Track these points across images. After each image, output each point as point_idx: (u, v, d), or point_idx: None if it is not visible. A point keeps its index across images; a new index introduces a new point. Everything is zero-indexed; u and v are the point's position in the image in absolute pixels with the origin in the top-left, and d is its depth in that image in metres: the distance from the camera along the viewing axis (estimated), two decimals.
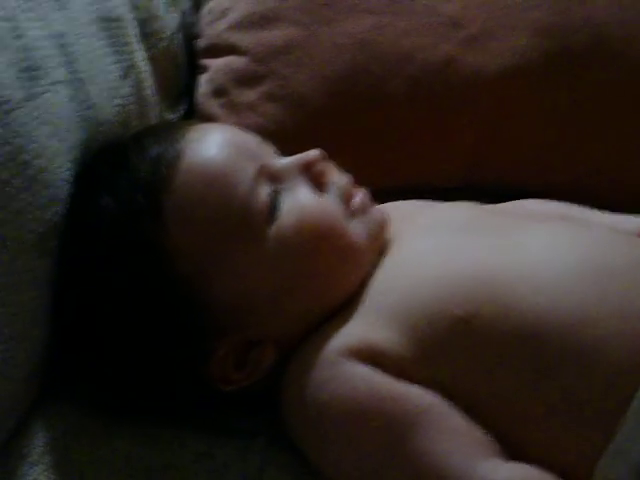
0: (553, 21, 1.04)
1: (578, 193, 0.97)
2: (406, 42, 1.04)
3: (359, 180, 0.82)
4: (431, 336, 0.73)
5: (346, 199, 0.80)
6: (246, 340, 0.76)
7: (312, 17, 1.05)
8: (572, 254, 0.76)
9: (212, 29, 1.09)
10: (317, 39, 1.05)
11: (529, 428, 0.71)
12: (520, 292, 0.73)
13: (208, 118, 1.05)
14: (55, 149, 0.74)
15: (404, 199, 0.93)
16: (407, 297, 0.75)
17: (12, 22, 0.72)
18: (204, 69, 1.09)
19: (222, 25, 1.09)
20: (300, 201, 0.77)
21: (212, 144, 0.77)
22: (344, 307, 0.77)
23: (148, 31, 0.99)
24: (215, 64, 1.08)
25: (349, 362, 0.73)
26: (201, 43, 1.10)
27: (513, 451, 0.71)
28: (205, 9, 1.12)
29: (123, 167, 0.76)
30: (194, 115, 1.08)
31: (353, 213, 0.79)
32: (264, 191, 0.76)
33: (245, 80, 1.05)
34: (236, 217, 0.75)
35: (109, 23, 0.88)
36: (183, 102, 1.10)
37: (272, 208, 0.76)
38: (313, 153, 0.80)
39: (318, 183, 0.79)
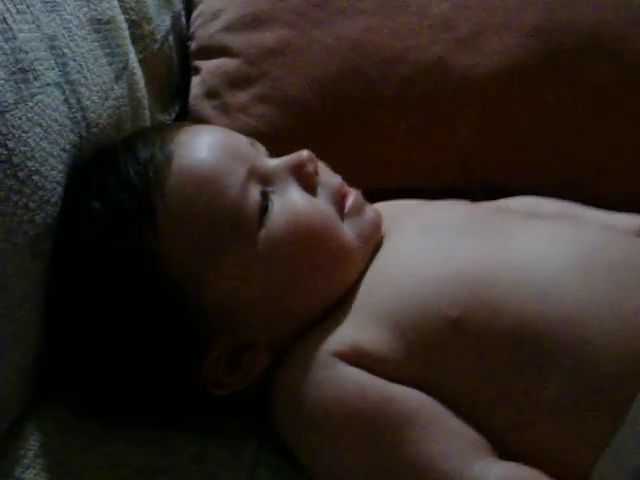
0: (544, 22, 1.04)
1: (570, 193, 0.97)
2: (398, 43, 1.04)
3: (351, 181, 0.82)
4: (422, 336, 0.73)
5: (338, 200, 0.80)
6: (238, 343, 0.76)
7: (304, 19, 1.05)
8: (569, 253, 0.75)
9: (204, 31, 1.09)
10: (309, 41, 1.05)
11: (522, 428, 0.71)
12: (517, 294, 0.73)
13: (201, 120, 1.05)
14: (47, 151, 0.74)
15: (397, 200, 0.93)
16: (397, 298, 0.75)
17: (3, 24, 0.72)
18: (196, 71, 1.09)
19: (214, 27, 1.09)
20: (291, 202, 0.77)
21: (202, 146, 0.77)
22: (335, 307, 0.77)
23: (140, 33, 0.99)
24: (207, 66, 1.08)
25: (340, 364, 0.73)
26: (193, 45, 1.10)
27: (506, 451, 0.71)
28: (197, 11, 1.12)
29: (114, 171, 0.76)
30: (187, 117, 1.08)
31: (345, 214, 0.79)
32: (255, 193, 0.76)
33: (237, 82, 1.05)
34: (227, 220, 0.75)
35: (101, 25, 0.88)
36: (176, 104, 1.11)
37: (263, 210, 0.76)
38: (303, 154, 0.80)
39: (309, 184, 0.79)
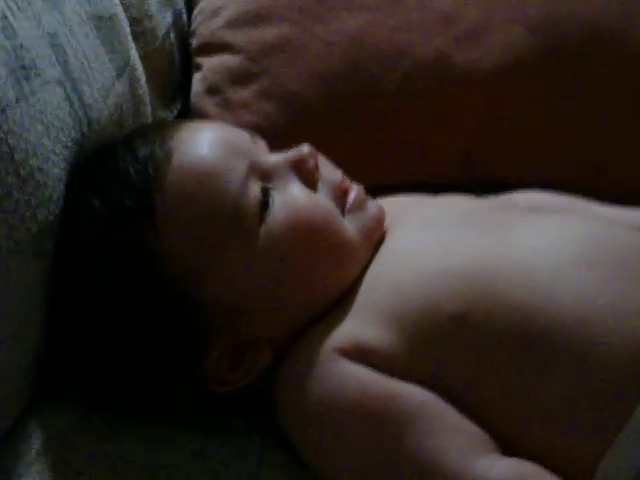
0: (546, 16, 1.04)
1: (572, 189, 0.97)
2: (399, 38, 1.04)
3: (353, 177, 0.82)
4: (424, 332, 0.73)
5: (338, 195, 0.80)
6: (240, 340, 0.76)
7: (305, 15, 1.05)
8: (572, 248, 0.75)
9: (205, 28, 1.09)
10: (310, 37, 1.04)
11: (525, 424, 0.71)
12: (517, 289, 0.73)
13: (203, 116, 1.05)
14: (49, 149, 0.73)
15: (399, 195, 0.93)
16: (398, 293, 0.75)
17: (4, 22, 0.72)
18: (198, 68, 1.09)
19: (216, 23, 1.08)
20: (291, 198, 0.77)
21: (202, 143, 0.77)
22: (337, 303, 0.77)
23: (142, 30, 0.99)
24: (209, 62, 1.07)
25: (342, 360, 0.73)
26: (195, 42, 1.10)
27: (509, 447, 0.71)
28: (198, 8, 1.12)
29: (113, 169, 0.76)
30: (189, 114, 1.08)
31: (347, 209, 0.79)
32: (255, 189, 0.76)
33: (239, 78, 1.05)
34: (227, 216, 0.74)
35: (102, 22, 0.88)
36: (178, 101, 1.11)
37: (263, 206, 0.76)
38: (304, 149, 0.80)
39: (309, 179, 0.79)
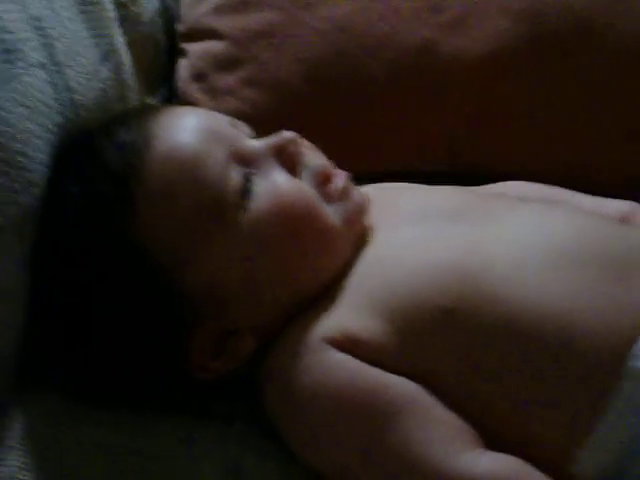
0: (534, 6, 1.03)
1: (559, 179, 0.97)
2: (385, 26, 1.03)
3: (339, 164, 0.82)
4: (413, 325, 0.73)
5: (320, 180, 0.79)
6: (223, 329, 0.75)
7: (291, 1, 1.05)
8: (557, 243, 0.76)
9: (192, 13, 1.09)
10: (296, 23, 1.04)
11: (510, 418, 0.71)
12: (505, 284, 0.73)
13: (188, 102, 1.05)
14: (32, 132, 0.73)
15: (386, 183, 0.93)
16: (389, 286, 0.75)
17: None
18: (184, 53, 1.08)
19: (202, 9, 1.08)
20: (273, 184, 0.76)
21: (182, 129, 0.77)
22: (326, 294, 0.76)
23: (127, 15, 0.98)
24: (195, 48, 1.07)
25: (330, 350, 0.73)
26: (181, 27, 1.09)
27: (493, 441, 0.71)
28: None
29: (93, 156, 0.76)
30: (174, 99, 1.08)
31: (330, 196, 0.78)
32: (236, 175, 0.76)
33: (224, 64, 1.05)
34: (208, 203, 0.74)
35: (87, 6, 0.88)
36: (163, 86, 1.10)
37: (245, 192, 0.75)
38: (286, 135, 0.79)
39: (291, 165, 0.78)
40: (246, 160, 0.77)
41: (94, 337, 0.75)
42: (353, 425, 0.71)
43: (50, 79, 0.77)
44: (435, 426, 0.70)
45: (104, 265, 0.74)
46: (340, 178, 0.80)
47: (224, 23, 1.06)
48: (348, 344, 0.73)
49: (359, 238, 0.80)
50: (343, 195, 0.79)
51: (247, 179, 0.76)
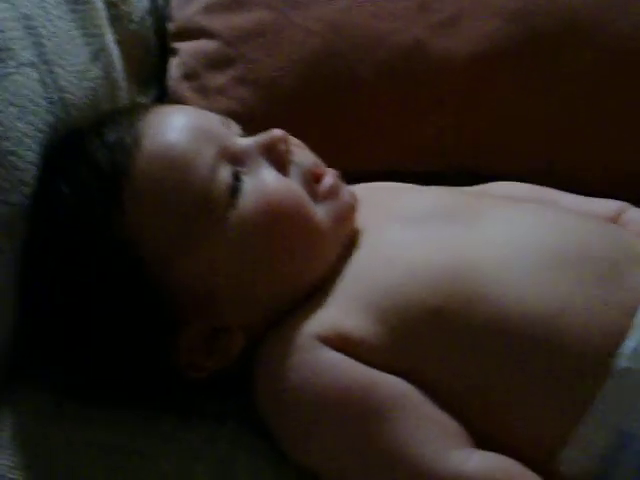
0: (524, 5, 1.03)
1: (549, 179, 0.97)
2: (377, 26, 1.03)
3: (329, 164, 0.82)
4: (403, 324, 0.73)
5: (308, 178, 0.79)
6: (211, 327, 0.75)
7: (283, 1, 1.05)
8: (546, 245, 0.76)
9: (183, 12, 1.09)
10: (288, 23, 1.04)
11: (500, 417, 0.72)
12: (494, 286, 0.73)
13: (179, 101, 1.05)
14: (22, 131, 0.73)
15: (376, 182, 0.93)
16: (381, 287, 0.75)
17: None
18: (175, 52, 1.08)
19: (193, 8, 1.08)
20: (262, 183, 0.76)
21: (171, 128, 0.77)
22: (317, 293, 0.76)
23: (117, 14, 0.98)
24: (186, 47, 1.07)
25: (323, 348, 0.73)
26: (172, 26, 1.09)
27: (484, 440, 0.71)
28: None
29: (82, 154, 0.76)
30: (165, 98, 1.08)
31: (319, 195, 0.78)
32: (225, 173, 0.75)
33: (216, 63, 1.05)
34: (196, 201, 0.74)
35: (78, 5, 0.88)
36: (154, 85, 1.10)
37: (234, 190, 0.75)
38: (275, 133, 0.79)
39: (280, 163, 0.78)
40: (235, 158, 0.77)
41: (83, 335, 0.75)
42: (343, 422, 0.71)
43: (40, 78, 0.77)
44: (426, 425, 0.71)
45: (93, 263, 0.74)
46: (329, 177, 0.80)
47: (215, 22, 1.06)
48: (341, 342, 0.73)
49: (348, 237, 0.80)
50: (332, 194, 0.79)
51: (236, 177, 0.76)
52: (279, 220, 0.75)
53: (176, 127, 0.77)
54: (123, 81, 0.96)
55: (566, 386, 0.71)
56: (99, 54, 0.89)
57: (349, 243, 0.79)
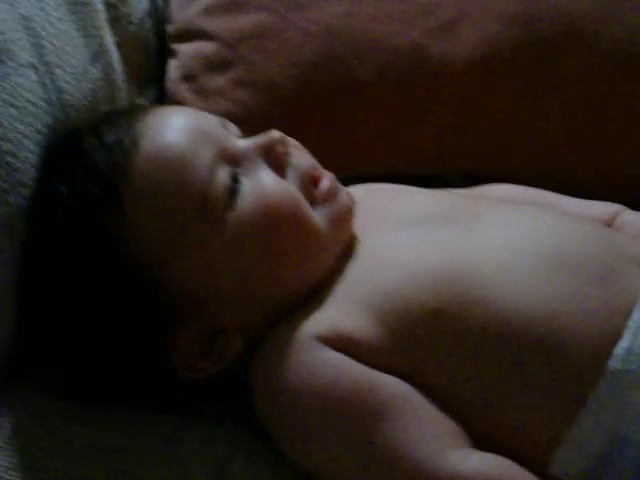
0: (523, 10, 1.04)
1: (547, 182, 0.98)
2: (376, 29, 1.03)
3: (327, 166, 0.82)
4: (403, 326, 0.73)
5: (305, 181, 0.79)
6: (209, 328, 0.75)
7: (282, 3, 1.05)
8: (544, 248, 0.76)
9: (182, 14, 1.09)
10: (287, 25, 1.04)
11: (499, 419, 0.72)
12: (489, 286, 0.73)
13: (178, 103, 1.04)
14: (21, 133, 0.73)
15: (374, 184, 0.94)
16: (381, 288, 0.75)
17: None
18: (174, 54, 1.08)
19: (192, 10, 1.08)
20: (260, 184, 0.76)
21: (169, 129, 0.77)
22: (316, 295, 0.77)
23: (117, 15, 0.98)
24: (185, 49, 1.07)
25: (323, 348, 0.73)
26: (171, 28, 1.09)
27: (482, 440, 0.72)
28: None
29: (81, 156, 0.76)
30: (164, 100, 1.08)
31: (317, 198, 0.78)
32: (223, 175, 0.76)
33: (215, 65, 1.05)
34: (195, 202, 0.74)
35: (77, 6, 0.88)
36: (153, 87, 1.10)
37: (232, 192, 0.75)
38: (273, 134, 0.79)
39: (278, 165, 0.78)
40: (234, 159, 0.77)
41: (82, 336, 0.75)
42: (341, 423, 0.71)
43: (40, 79, 0.77)
44: (424, 425, 0.71)
45: (91, 264, 0.74)
46: (327, 180, 0.80)
47: (214, 24, 1.06)
48: (341, 343, 0.73)
49: (346, 240, 0.80)
50: (329, 197, 0.79)
51: (234, 179, 0.76)
52: (277, 222, 0.75)
53: (175, 128, 0.77)
54: (122, 82, 0.96)
55: (562, 387, 0.71)
56: (98, 55, 0.89)
57: (347, 245, 0.80)
